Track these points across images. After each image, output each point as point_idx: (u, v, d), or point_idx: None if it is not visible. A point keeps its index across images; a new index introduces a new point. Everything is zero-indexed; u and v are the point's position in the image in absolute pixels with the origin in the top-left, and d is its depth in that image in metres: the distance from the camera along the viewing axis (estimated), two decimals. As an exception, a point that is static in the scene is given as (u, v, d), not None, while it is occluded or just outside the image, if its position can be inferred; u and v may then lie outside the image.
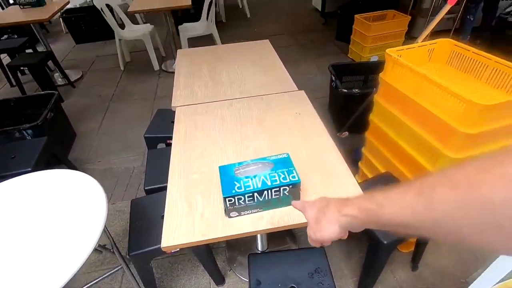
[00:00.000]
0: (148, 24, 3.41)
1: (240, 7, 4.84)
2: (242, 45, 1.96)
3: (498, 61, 1.18)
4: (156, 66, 3.34)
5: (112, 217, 1.78)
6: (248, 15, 4.73)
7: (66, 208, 0.96)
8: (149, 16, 4.16)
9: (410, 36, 3.25)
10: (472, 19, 3.06)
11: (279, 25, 4.41)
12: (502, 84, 1.18)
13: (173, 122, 1.29)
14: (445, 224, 0.30)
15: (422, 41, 1.39)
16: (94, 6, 3.12)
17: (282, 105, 1.33)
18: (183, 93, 1.47)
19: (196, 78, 1.59)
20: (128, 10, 2.76)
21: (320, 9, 4.48)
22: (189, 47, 3.18)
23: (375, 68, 2.49)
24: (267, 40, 1.98)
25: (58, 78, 3.19)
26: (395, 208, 0.36)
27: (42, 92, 2.30)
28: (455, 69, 1.37)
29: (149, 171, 1.40)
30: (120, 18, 3.35)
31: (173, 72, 3.20)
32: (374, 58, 2.69)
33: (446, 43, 1.37)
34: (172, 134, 1.21)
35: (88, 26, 4.13)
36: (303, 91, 1.41)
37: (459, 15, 3.13)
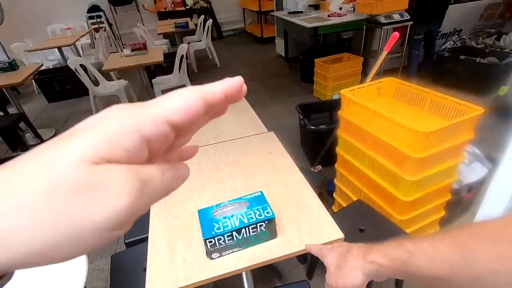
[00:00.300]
0: (122, 80, 3.56)
1: (210, 58, 5.18)
2: (213, 94, 2.10)
3: (434, 94, 1.38)
4: (131, 119, 3.41)
5: (91, 278, 1.69)
6: (219, 65, 5.06)
7: (42, 271, 0.95)
8: (123, 71, 4.33)
9: (365, 73, 3.62)
10: (417, 53, 3.50)
11: (248, 72, 4.74)
12: (440, 112, 1.37)
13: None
14: (486, 281, 0.29)
15: (370, 81, 1.59)
16: (67, 66, 3.24)
17: (254, 147, 1.43)
18: (159, 143, 1.53)
19: (171, 128, 1.67)
20: (102, 69, 2.90)
21: (284, 55, 4.90)
22: (163, 98, 3.32)
23: (337, 105, 2.72)
24: (237, 88, 2.14)
25: (30, 138, 3.16)
26: (429, 260, 0.35)
27: (14, 154, 2.27)
28: (401, 102, 1.57)
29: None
30: (94, 75, 3.47)
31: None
32: (336, 96, 2.95)
33: (391, 81, 1.58)
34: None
35: (61, 85, 4.20)
36: (272, 133, 1.53)
37: (403, 53, 3.58)
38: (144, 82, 3.34)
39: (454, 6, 3.63)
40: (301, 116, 2.45)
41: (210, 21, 4.75)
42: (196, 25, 5.15)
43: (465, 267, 0.30)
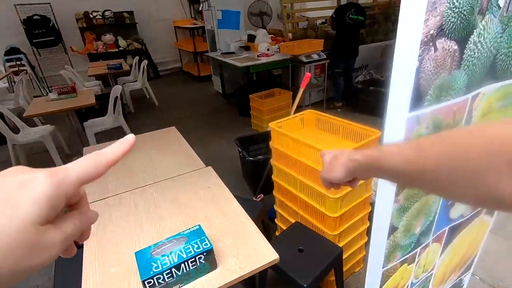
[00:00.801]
0: (48, 125, 3.31)
1: (148, 97, 5.15)
2: (151, 134, 2.12)
3: (345, 122, 1.64)
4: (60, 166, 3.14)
5: None
6: (156, 104, 5.04)
7: None
8: (49, 116, 4.03)
9: (299, 105, 4.00)
10: (340, 83, 4.04)
11: (187, 109, 4.82)
12: (351, 137, 1.62)
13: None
14: (430, 173, 0.35)
15: (293, 114, 1.80)
16: None
17: (193, 183, 1.48)
18: (92, 189, 1.48)
19: (106, 173, 1.63)
20: (24, 115, 2.68)
21: (221, 91, 5.13)
22: (97, 142, 3.17)
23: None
24: (173, 127, 2.20)
25: None
26: (393, 157, 0.41)
27: None
28: (321, 131, 1.80)
29: (60, 283, 1.28)
30: (14, 122, 3.17)
31: (81, 169, 3.09)
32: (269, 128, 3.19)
33: (310, 113, 1.82)
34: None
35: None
36: (210, 167, 1.61)
37: (325, 87, 4.08)
38: (74, 126, 3.16)
39: (361, 46, 4.32)
40: (239, 149, 2.58)
41: (145, 62, 4.79)
42: (130, 65, 5.13)
43: (417, 160, 0.37)
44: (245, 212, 1.26)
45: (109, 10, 5.85)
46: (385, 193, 0.78)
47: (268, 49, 4.20)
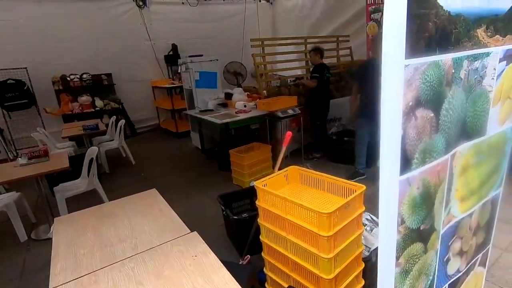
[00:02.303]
0: (13, 192, 3.06)
1: (124, 156, 5.02)
2: (129, 198, 2.01)
3: (329, 177, 1.67)
4: (23, 237, 2.84)
5: None
6: (133, 162, 4.91)
7: None
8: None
9: (275, 158, 4.05)
10: (319, 133, 4.24)
11: (166, 166, 4.72)
12: (338, 192, 1.63)
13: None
14: None
15: (277, 171, 1.82)
16: None
17: (177, 252, 1.38)
18: (64, 266, 1.32)
19: (79, 245, 1.49)
20: (-13, 184, 2.48)
21: (200, 147, 5.14)
22: (69, 206, 2.95)
23: (256, 192, 2.91)
24: (154, 188, 2.11)
25: None
26: None
27: None
28: (306, 186, 1.81)
29: None
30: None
31: (48, 239, 2.81)
32: (252, 183, 3.16)
33: (294, 169, 1.84)
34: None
35: None
36: (195, 232, 1.52)
37: (301, 137, 4.23)
38: (43, 191, 2.94)
39: (332, 100, 4.62)
40: (222, 208, 2.49)
41: (122, 121, 4.78)
42: (107, 125, 5.09)
43: None
44: (236, 282, 1.17)
45: (87, 73, 5.98)
46: (386, 258, 0.76)
47: (245, 106, 4.39)
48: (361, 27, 5.63)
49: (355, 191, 1.50)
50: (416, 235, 0.81)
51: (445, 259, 0.98)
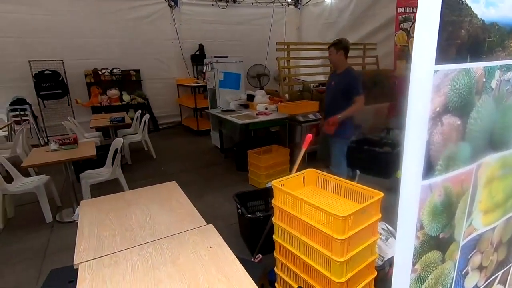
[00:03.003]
0: (43, 175, 3.25)
1: (146, 149, 5.19)
2: (150, 188, 2.09)
3: (348, 183, 1.66)
4: (49, 218, 3.00)
5: None
6: (154, 156, 5.06)
7: None
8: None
9: (293, 161, 4.06)
10: None
11: (185, 162, 4.83)
12: (353, 197, 1.62)
13: (71, 281, 1.18)
14: None
15: (295, 172, 1.83)
16: None
17: (193, 242, 1.42)
18: (87, 246, 1.40)
19: (102, 228, 1.57)
20: (21, 165, 2.65)
21: (219, 146, 5.22)
22: (92, 193, 3.09)
23: (271, 192, 2.93)
24: (174, 181, 2.18)
25: None
26: None
27: None
28: (323, 190, 1.81)
29: None
30: (6, 170, 3.11)
31: (70, 222, 2.97)
32: (269, 184, 3.18)
33: (312, 172, 1.85)
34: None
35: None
36: (211, 225, 1.56)
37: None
38: (70, 177, 3.10)
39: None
40: (238, 205, 2.53)
41: (147, 116, 4.95)
42: (132, 118, 5.28)
43: None
44: (248, 275, 1.20)
45: (117, 68, 6.24)
46: (403, 263, 0.76)
47: (266, 108, 4.43)
48: (389, 36, 5.53)
49: (372, 198, 1.49)
50: (435, 243, 0.80)
51: (463, 272, 0.96)
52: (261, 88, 6.97)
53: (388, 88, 5.12)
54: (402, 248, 0.76)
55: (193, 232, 1.51)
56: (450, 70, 0.67)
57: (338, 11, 6.83)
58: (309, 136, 1.77)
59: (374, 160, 3.92)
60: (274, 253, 1.80)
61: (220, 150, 5.17)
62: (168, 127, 7.26)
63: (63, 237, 2.77)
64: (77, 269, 1.27)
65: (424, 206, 0.74)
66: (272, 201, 1.71)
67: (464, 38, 0.67)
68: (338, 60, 2.93)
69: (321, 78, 6.03)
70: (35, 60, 5.45)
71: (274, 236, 1.76)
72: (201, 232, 1.51)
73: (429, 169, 0.71)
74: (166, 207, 1.79)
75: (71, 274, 1.36)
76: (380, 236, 1.70)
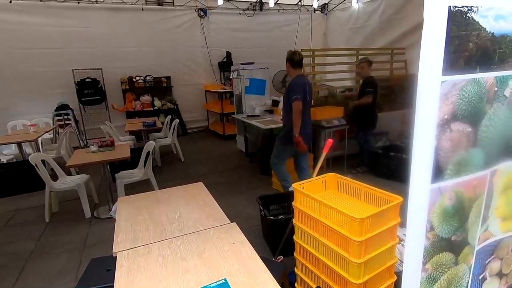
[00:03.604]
0: (84, 174, 3.55)
1: (175, 152, 5.44)
2: (179, 189, 2.23)
3: (366, 186, 1.69)
4: (88, 214, 3.28)
5: None
6: (182, 159, 5.30)
7: None
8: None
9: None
10: (366, 148, 4.13)
11: (211, 166, 5.01)
12: (374, 202, 1.65)
13: (108, 270, 1.32)
14: None
15: (316, 176, 1.88)
16: (21, 161, 3.20)
17: (218, 237, 1.53)
18: (124, 238, 1.55)
19: (137, 222, 1.72)
20: (66, 165, 2.93)
21: (244, 150, 5.35)
22: (125, 192, 3.32)
23: (293, 196, 2.98)
24: (201, 182, 2.31)
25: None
26: None
27: None
28: (343, 193, 1.85)
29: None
30: (53, 170, 3.44)
31: (106, 218, 3.20)
32: (291, 188, 3.23)
33: (333, 176, 1.89)
34: (108, 283, 1.24)
35: (11, 180, 3.99)
36: (235, 223, 1.66)
37: (345, 149, 4.18)
38: (107, 177, 3.36)
39: (380, 113, 4.50)
40: (261, 207, 2.61)
41: (176, 121, 5.21)
42: (162, 123, 5.57)
43: None
44: (268, 271, 1.27)
45: (150, 75, 6.62)
46: (412, 260, 0.80)
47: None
48: (418, 39, 5.37)
49: (391, 202, 1.51)
50: (446, 245, 0.83)
51: (480, 277, 0.97)
52: (286, 93, 7.04)
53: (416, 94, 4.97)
54: (411, 247, 0.80)
55: (218, 229, 1.61)
56: (459, 80, 0.72)
57: (366, 16, 6.76)
58: (330, 141, 1.81)
59: (400, 167, 3.83)
60: (294, 254, 1.85)
61: (245, 154, 5.29)
62: (196, 131, 7.53)
63: (100, 232, 3.01)
64: (115, 257, 1.42)
65: (434, 209, 0.78)
66: (293, 203, 1.78)
67: (472, 50, 0.72)
68: (288, 71, 3.21)
69: (348, 83, 5.98)
70: (78, 69, 5.95)
71: (294, 237, 1.82)
72: (225, 230, 1.61)
73: (438, 173, 0.76)
74: (194, 206, 1.91)
75: (109, 263, 1.52)
76: (402, 242, 1.70)
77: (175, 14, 6.74)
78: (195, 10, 6.89)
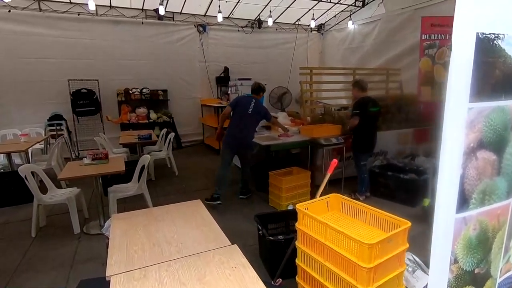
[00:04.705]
0: (75, 187, 3.42)
1: (169, 166, 5.34)
2: (176, 206, 2.15)
3: (372, 209, 1.65)
4: (77, 229, 3.13)
5: None
6: (177, 173, 5.20)
7: None
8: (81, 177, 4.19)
9: (314, 184, 4.02)
10: (367, 175, 3.94)
11: (205, 180, 4.91)
12: (380, 225, 1.60)
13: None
14: None
15: (320, 196, 1.84)
16: (9, 172, 3.07)
17: (218, 260, 1.45)
18: (118, 259, 1.46)
19: (132, 242, 1.63)
20: (58, 178, 2.82)
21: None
22: (118, 207, 3.20)
23: (292, 215, 2.91)
24: (199, 199, 2.24)
25: None
26: None
27: None
28: (346, 215, 1.80)
29: None
30: (39, 182, 3.30)
31: (96, 235, 3.07)
32: (290, 207, 3.18)
33: (336, 197, 1.85)
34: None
35: (-2, 191, 3.83)
36: (236, 245, 1.59)
37: (343, 168, 4.15)
38: (99, 190, 3.25)
39: (379, 133, 4.50)
40: (259, 227, 2.53)
41: (172, 134, 5.14)
42: (157, 135, 5.49)
43: None
44: (274, 300, 1.20)
45: (146, 88, 6.59)
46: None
47: (287, 130, 4.48)
48: (413, 61, 5.53)
49: (399, 226, 1.47)
50: (470, 278, 0.79)
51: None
52: (283, 109, 7.08)
53: (412, 114, 5.05)
54: (435, 281, 0.75)
55: (218, 252, 1.54)
56: (485, 107, 0.70)
57: (361, 37, 6.95)
58: (335, 161, 1.79)
59: (399, 187, 3.82)
60: (296, 278, 1.78)
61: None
62: (191, 145, 7.45)
63: (89, 248, 2.87)
64: (109, 281, 1.33)
65: (459, 240, 0.74)
66: (296, 224, 1.72)
67: (498, 77, 0.70)
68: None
69: (343, 102, 6.06)
70: (73, 80, 5.89)
71: (297, 261, 1.75)
72: (225, 252, 1.53)
73: (463, 202, 0.73)
74: (192, 224, 1.83)
75: (99, 285, 1.42)
76: (407, 267, 1.65)
77: (174, 29, 6.81)
78: (194, 25, 6.98)
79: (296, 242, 1.73)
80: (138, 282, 1.30)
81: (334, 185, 4.29)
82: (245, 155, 4.07)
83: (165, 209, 2.11)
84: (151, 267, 1.41)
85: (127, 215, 2.04)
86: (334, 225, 1.45)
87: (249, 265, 1.42)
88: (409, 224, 1.43)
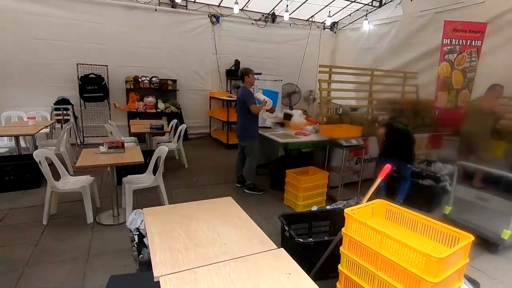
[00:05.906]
0: (88, 176, 3.29)
1: (177, 158, 5.23)
2: (205, 203, 2.06)
3: (424, 218, 1.58)
4: (90, 219, 3.02)
5: None
6: (186, 166, 5.09)
7: None
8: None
9: (330, 186, 3.95)
10: (407, 187, 3.68)
11: (216, 175, 4.82)
12: (433, 236, 1.53)
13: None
14: None
15: (366, 202, 1.76)
16: (17, 156, 2.94)
17: (269, 266, 1.37)
18: (163, 258, 1.37)
19: (172, 240, 1.54)
20: (75, 166, 2.70)
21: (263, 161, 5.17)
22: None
23: (316, 217, 2.85)
24: (230, 197, 2.16)
25: None
26: None
27: None
28: (392, 223, 1.73)
29: None
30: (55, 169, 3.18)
31: (109, 225, 2.96)
32: (314, 208, 3.11)
33: (381, 203, 1.78)
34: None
35: (5, 176, 3.69)
36: (282, 249, 1.51)
37: (361, 171, 4.09)
38: (113, 180, 3.13)
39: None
40: (286, 227, 2.46)
41: (183, 126, 5.03)
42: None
43: None
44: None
45: (156, 76, 6.43)
46: None
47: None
48: (431, 65, 5.47)
49: (458, 239, 1.40)
50: None
51: None
52: (291, 107, 6.99)
53: (428, 119, 5.00)
54: None
55: (266, 255, 1.46)
56: None
57: (377, 37, 6.86)
58: (388, 167, 1.70)
59: (415, 192, 3.77)
60: (338, 284, 1.71)
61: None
62: (197, 138, 7.34)
63: (104, 240, 2.77)
64: (157, 281, 1.24)
65: None
66: (343, 229, 1.65)
67: None
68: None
69: (353, 102, 5.99)
70: (82, 64, 5.70)
71: (340, 266, 1.68)
72: (274, 256, 1.46)
73: None
74: (230, 224, 1.75)
75: (131, 282, 1.33)
76: (463, 284, 1.59)
77: (187, 18, 6.64)
78: (208, 16, 6.81)
79: (341, 248, 1.66)
80: (189, 285, 1.21)
81: (350, 188, 4.26)
82: (243, 147, 4.15)
83: (195, 206, 2.02)
84: (199, 269, 1.32)
85: (155, 210, 1.94)
86: (393, 235, 1.38)
87: (303, 271, 1.35)
88: (472, 238, 1.36)
